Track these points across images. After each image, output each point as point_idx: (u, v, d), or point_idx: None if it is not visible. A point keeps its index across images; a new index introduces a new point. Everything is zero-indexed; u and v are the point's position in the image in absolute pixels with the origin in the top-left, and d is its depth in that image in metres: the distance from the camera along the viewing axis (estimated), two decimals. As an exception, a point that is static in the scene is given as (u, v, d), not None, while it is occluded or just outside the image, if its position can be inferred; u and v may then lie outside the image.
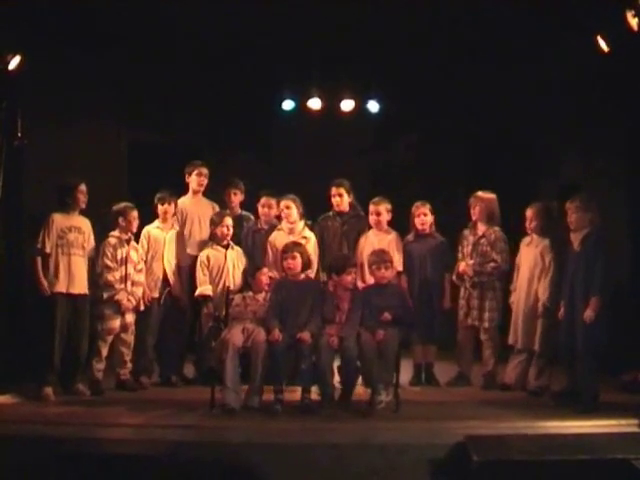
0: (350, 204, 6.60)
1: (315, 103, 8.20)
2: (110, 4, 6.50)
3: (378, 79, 7.91)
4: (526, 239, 6.19)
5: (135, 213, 6.25)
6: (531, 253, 6.09)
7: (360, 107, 8.29)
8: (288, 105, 8.27)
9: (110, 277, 6.10)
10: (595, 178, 7.10)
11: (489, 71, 7.42)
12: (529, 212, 6.13)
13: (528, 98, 7.48)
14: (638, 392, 5.77)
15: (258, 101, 7.96)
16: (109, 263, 6.12)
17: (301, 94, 8.17)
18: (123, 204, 6.28)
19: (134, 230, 6.28)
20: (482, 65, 7.38)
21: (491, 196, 6.43)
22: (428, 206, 6.51)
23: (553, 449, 4.54)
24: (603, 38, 6.35)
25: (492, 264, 6.27)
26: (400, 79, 7.69)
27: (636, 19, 5.88)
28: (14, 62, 6.26)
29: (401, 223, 6.59)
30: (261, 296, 5.83)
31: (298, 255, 5.84)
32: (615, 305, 5.52)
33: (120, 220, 6.20)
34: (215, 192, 6.91)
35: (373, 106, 8.31)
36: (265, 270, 5.96)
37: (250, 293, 5.86)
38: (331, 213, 6.65)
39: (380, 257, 5.91)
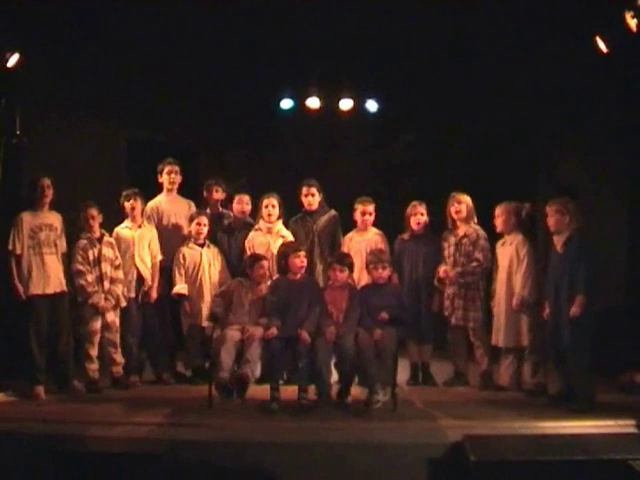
0: (319, 203, 6.59)
1: (314, 102, 8.20)
2: (109, 3, 6.50)
3: (377, 78, 7.91)
4: (500, 240, 6.22)
5: (92, 211, 6.13)
6: (507, 251, 6.11)
7: (359, 106, 8.29)
8: (287, 104, 8.26)
9: (82, 281, 6.04)
10: (594, 179, 7.11)
11: (488, 71, 7.42)
12: (497, 210, 6.18)
13: (527, 98, 7.47)
14: (635, 393, 5.79)
15: (257, 100, 7.95)
16: (80, 267, 6.06)
17: (300, 93, 8.16)
18: (84, 203, 6.18)
19: (95, 229, 6.15)
20: (481, 65, 7.38)
21: (468, 196, 6.43)
22: (424, 206, 6.52)
23: (550, 449, 4.56)
24: (602, 39, 6.36)
25: (474, 263, 6.26)
26: (399, 78, 7.69)
27: (635, 20, 5.90)
28: (13, 60, 6.27)
29: (400, 223, 6.60)
30: (262, 287, 5.86)
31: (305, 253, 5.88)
32: (612, 305, 5.53)
33: (80, 219, 6.15)
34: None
35: (372, 105, 8.31)
36: (264, 263, 5.97)
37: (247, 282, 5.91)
38: (301, 214, 6.62)
39: (377, 257, 5.93)
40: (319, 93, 8.14)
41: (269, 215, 6.41)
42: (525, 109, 7.58)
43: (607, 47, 6.34)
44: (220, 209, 6.82)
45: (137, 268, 6.32)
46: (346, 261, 5.94)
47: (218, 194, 6.82)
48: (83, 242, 6.12)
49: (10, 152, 6.39)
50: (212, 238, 6.52)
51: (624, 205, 6.87)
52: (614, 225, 6.75)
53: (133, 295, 6.33)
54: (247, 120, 8.19)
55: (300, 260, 5.82)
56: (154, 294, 6.34)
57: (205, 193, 6.82)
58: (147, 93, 7.68)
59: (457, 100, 7.84)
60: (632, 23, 5.92)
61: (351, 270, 5.97)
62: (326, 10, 6.74)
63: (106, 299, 6.10)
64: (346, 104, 8.26)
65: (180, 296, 6.30)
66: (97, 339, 6.12)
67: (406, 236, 6.53)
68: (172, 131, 8.24)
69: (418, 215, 6.47)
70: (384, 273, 5.87)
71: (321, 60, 7.54)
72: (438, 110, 8.06)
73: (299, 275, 5.85)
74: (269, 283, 5.96)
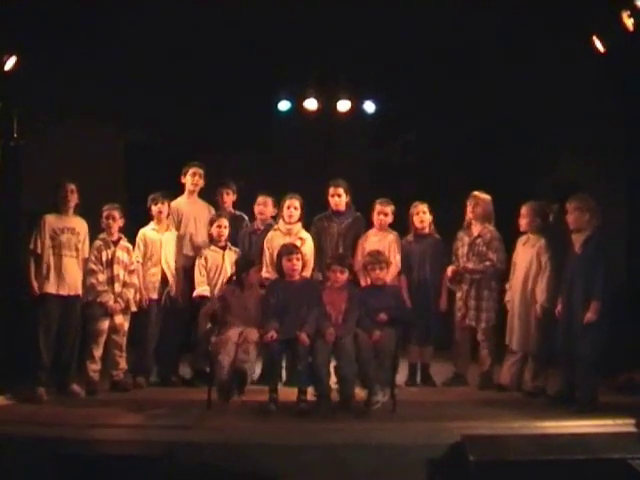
0: (347, 204, 6.59)
1: (311, 104, 8.21)
2: (108, 4, 6.50)
3: (374, 79, 7.91)
4: (522, 238, 6.15)
5: (114, 213, 6.21)
6: (527, 252, 6.05)
7: (356, 107, 8.29)
8: (284, 106, 8.27)
9: (93, 280, 6.09)
10: (593, 178, 7.10)
11: (487, 71, 7.42)
12: (523, 209, 6.11)
13: (526, 98, 7.48)
14: (634, 392, 5.79)
15: (255, 102, 7.96)
16: (92, 266, 6.11)
17: (297, 95, 8.17)
18: (107, 206, 6.25)
19: (113, 231, 6.21)
20: (480, 65, 7.39)
21: (488, 196, 6.44)
22: (426, 205, 6.52)
23: (550, 449, 4.55)
24: (599, 38, 6.36)
25: (487, 263, 6.25)
26: (397, 79, 7.70)
27: (631, 19, 5.91)
28: (10, 62, 6.27)
29: (399, 223, 6.59)
30: (251, 293, 5.83)
31: (300, 256, 5.85)
32: (612, 306, 5.51)
33: (101, 221, 6.23)
34: (212, 193, 6.91)
35: (369, 106, 8.32)
36: (257, 268, 5.96)
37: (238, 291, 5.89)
38: (327, 213, 6.62)
39: (375, 258, 5.91)
40: (317, 94, 8.15)
41: (290, 216, 6.40)
42: (525, 109, 7.58)
43: (604, 46, 6.35)
44: (233, 211, 6.83)
45: (163, 271, 6.36)
46: (346, 262, 5.93)
47: (229, 196, 6.86)
48: (98, 243, 6.18)
49: (8, 155, 6.39)
50: (229, 241, 6.51)
51: (624, 204, 6.86)
52: (613, 225, 6.73)
53: (156, 297, 6.35)
54: (245, 122, 8.19)
55: (291, 263, 5.77)
56: (181, 296, 6.39)
57: (218, 196, 6.85)
58: (145, 96, 7.67)
59: (456, 100, 7.84)
60: (629, 22, 5.93)
61: (351, 271, 5.96)
62: (324, 11, 6.74)
63: (116, 301, 6.12)
64: (344, 105, 8.27)
65: (202, 298, 6.30)
66: (102, 340, 6.13)
67: (410, 237, 6.53)
68: (170, 133, 8.24)
69: (420, 214, 6.48)
70: (381, 274, 5.86)
71: (318, 62, 7.54)
72: (437, 110, 8.06)
73: (297, 277, 5.83)
74: (267, 285, 5.96)
